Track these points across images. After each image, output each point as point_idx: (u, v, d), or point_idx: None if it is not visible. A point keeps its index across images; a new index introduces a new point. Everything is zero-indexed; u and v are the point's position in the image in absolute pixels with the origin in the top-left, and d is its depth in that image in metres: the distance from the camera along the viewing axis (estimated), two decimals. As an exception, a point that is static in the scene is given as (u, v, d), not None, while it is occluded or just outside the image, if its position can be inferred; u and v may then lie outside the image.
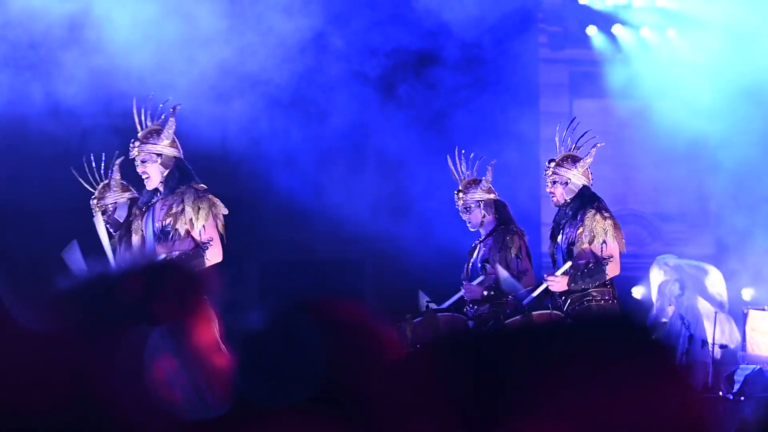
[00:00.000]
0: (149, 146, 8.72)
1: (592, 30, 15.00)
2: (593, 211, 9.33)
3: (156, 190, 8.78)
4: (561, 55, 15.23)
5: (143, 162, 8.70)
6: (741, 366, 11.69)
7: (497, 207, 10.01)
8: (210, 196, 8.73)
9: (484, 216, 9.95)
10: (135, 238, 8.88)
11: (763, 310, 12.30)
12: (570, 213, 9.43)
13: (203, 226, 8.56)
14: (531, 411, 2.04)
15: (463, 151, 10.13)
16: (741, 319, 12.39)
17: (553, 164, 9.52)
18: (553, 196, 9.52)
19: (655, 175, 15.18)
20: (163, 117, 8.86)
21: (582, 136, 9.79)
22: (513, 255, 9.75)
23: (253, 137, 12.83)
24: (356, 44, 12.81)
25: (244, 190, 13.64)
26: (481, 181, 10.02)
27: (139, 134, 8.78)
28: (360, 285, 9.77)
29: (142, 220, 8.83)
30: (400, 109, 13.49)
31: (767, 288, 13.34)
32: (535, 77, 15.07)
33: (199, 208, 8.59)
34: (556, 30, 15.10)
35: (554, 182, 9.47)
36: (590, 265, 9.15)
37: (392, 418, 2.17)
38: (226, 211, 8.72)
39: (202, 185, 8.77)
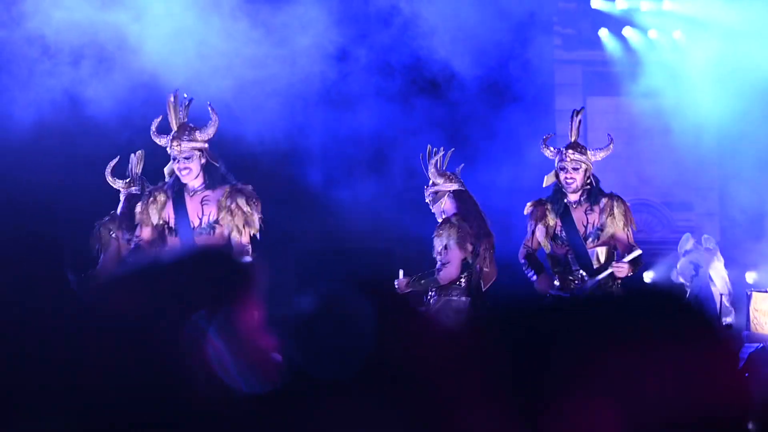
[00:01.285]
0: (192, 143, 8.59)
1: (603, 32, 15.19)
2: (618, 198, 9.33)
3: (179, 178, 8.65)
4: (575, 56, 15.37)
5: (186, 158, 8.56)
6: (745, 345, 11.84)
7: (458, 196, 9.58)
8: (255, 195, 8.71)
9: (444, 205, 9.56)
10: (159, 226, 8.68)
11: (766, 292, 12.61)
12: (583, 199, 9.30)
13: (250, 222, 8.57)
14: (579, 388, 2.04)
15: (435, 149, 9.73)
16: (745, 301, 12.71)
17: (572, 150, 9.30)
18: (573, 182, 9.29)
19: (664, 167, 15.24)
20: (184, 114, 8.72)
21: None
22: (443, 245, 9.35)
23: (289, 137, 12.81)
24: (377, 57, 12.90)
25: (281, 185, 13.61)
26: (445, 174, 9.64)
27: (177, 130, 8.62)
28: (389, 272, 9.93)
29: (164, 210, 8.70)
30: (422, 110, 13.57)
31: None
32: (550, 77, 15.14)
33: (251, 211, 8.55)
34: (570, 32, 15.28)
35: (576, 168, 9.29)
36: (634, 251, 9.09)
37: (441, 393, 2.19)
38: (261, 215, 8.67)
39: (248, 186, 8.74)
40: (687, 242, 13.59)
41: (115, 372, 2.35)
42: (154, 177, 9.22)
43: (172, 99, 8.68)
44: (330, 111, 12.92)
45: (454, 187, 9.57)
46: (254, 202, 8.63)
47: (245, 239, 8.53)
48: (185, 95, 8.79)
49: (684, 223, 15.46)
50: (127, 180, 9.82)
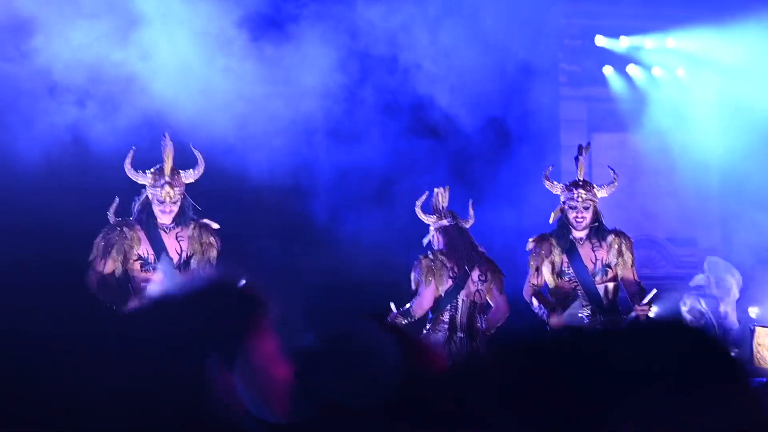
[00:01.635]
0: (179, 188, 8.81)
1: (608, 69, 15.23)
2: (624, 235, 9.48)
3: (150, 216, 8.75)
4: (580, 93, 15.41)
5: (174, 203, 8.76)
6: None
7: (445, 232, 9.59)
8: (213, 232, 8.92)
9: (438, 240, 9.62)
10: (128, 261, 8.69)
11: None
12: (590, 236, 9.41)
13: (212, 258, 8.79)
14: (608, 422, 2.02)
15: (443, 189, 9.80)
16: (748, 335, 12.69)
17: (582, 190, 9.43)
18: (583, 221, 9.41)
19: (668, 202, 15.22)
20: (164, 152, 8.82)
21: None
22: (414, 279, 9.44)
23: (293, 173, 12.90)
24: (381, 97, 12.93)
25: (286, 221, 13.85)
26: (438, 211, 9.69)
27: (169, 174, 8.79)
28: (397, 305, 10.00)
29: (139, 245, 8.71)
30: (426, 142, 13.64)
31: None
32: (555, 113, 15.18)
33: (210, 244, 8.79)
34: (575, 69, 15.33)
35: (586, 207, 9.40)
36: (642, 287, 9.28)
37: (465, 420, 2.19)
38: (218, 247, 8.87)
39: (210, 222, 8.93)
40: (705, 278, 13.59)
41: (137, 400, 2.37)
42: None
43: (168, 144, 8.84)
44: (334, 146, 12.95)
45: (444, 223, 9.60)
46: (217, 237, 8.90)
47: (210, 268, 8.73)
48: (165, 133, 8.93)
49: (688, 258, 15.38)
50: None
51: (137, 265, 8.73)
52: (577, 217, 9.42)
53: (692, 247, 15.69)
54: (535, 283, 9.50)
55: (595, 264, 9.42)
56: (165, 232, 8.81)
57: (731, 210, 14.76)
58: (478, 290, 9.44)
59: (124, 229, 8.78)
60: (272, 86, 11.91)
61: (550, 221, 9.72)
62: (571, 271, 9.45)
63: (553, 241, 9.51)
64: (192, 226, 8.84)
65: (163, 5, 11.33)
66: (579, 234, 9.47)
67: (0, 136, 11.33)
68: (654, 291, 9.09)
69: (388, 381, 2.32)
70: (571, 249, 9.47)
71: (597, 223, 9.48)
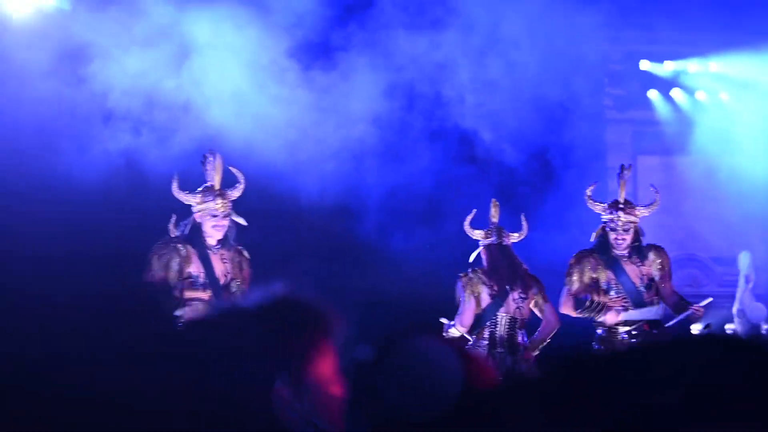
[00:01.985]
0: (229, 202, 8.90)
1: (653, 93, 15.34)
2: (662, 250, 9.57)
3: (200, 237, 8.83)
4: (625, 116, 15.51)
5: (225, 216, 8.87)
6: None
7: (488, 251, 9.77)
8: (247, 258, 9.04)
9: (483, 258, 9.80)
10: (176, 279, 8.75)
11: None
12: (632, 253, 9.45)
13: (246, 282, 8.92)
14: None
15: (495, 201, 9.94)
16: None
17: (622, 212, 9.47)
18: (623, 242, 9.46)
19: (711, 223, 15.29)
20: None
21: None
22: (456, 296, 9.68)
23: (347, 193, 12.99)
24: (429, 123, 13.10)
25: (340, 240, 13.86)
26: (484, 230, 9.87)
27: (218, 189, 8.91)
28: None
29: (189, 264, 8.78)
30: (472, 168, 13.73)
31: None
32: (601, 136, 15.30)
33: (246, 268, 8.94)
34: (621, 93, 15.44)
35: (626, 230, 9.45)
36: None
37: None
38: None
39: (239, 246, 9.04)
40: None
41: (202, 413, 2.41)
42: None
43: (217, 159, 8.99)
44: (382, 169, 13.11)
45: (489, 240, 9.75)
46: (247, 260, 9.02)
47: (245, 291, 8.87)
48: (208, 153, 9.06)
49: (730, 277, 15.22)
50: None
51: (187, 283, 8.81)
52: (617, 238, 9.49)
53: (735, 267, 15.28)
54: (574, 294, 9.58)
55: (641, 279, 9.48)
56: (213, 252, 8.90)
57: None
58: (518, 307, 9.59)
59: (179, 246, 8.86)
60: (322, 113, 12.12)
61: (591, 239, 9.79)
62: (620, 287, 9.50)
63: (597, 257, 9.59)
64: (234, 249, 8.96)
65: (216, 34, 11.58)
66: (621, 251, 9.53)
67: (56, 159, 11.53)
68: (709, 299, 9.31)
69: (447, 393, 2.32)
70: (615, 266, 9.53)
71: (637, 243, 9.55)
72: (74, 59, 11.62)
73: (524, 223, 10.08)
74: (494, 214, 9.95)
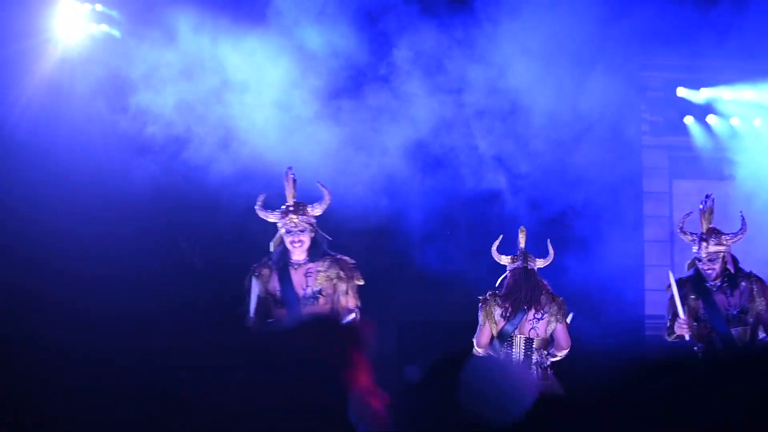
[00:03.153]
0: (307, 217, 9.05)
1: (689, 119, 15.41)
2: (758, 279, 9.57)
3: (286, 254, 9.02)
4: (662, 141, 15.53)
5: (301, 231, 9.00)
6: None
7: (513, 274, 9.93)
8: (354, 266, 9.13)
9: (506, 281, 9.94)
10: (265, 299, 8.95)
11: None
12: (726, 283, 9.42)
13: (351, 294, 8.99)
14: None
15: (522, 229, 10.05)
16: None
17: (707, 243, 9.49)
18: (713, 272, 9.44)
19: (746, 246, 15.21)
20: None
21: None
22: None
23: (390, 213, 13.18)
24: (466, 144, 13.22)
25: (383, 259, 13.96)
26: (511, 255, 10.00)
27: (293, 205, 9.08)
28: None
29: (269, 283, 8.97)
30: (517, 181, 13.75)
31: None
32: (638, 161, 15.33)
33: (350, 278, 8.99)
34: (657, 119, 15.49)
35: (712, 260, 9.46)
36: None
37: None
38: (362, 282, 9.10)
39: (346, 257, 9.16)
40: None
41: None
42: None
43: (291, 175, 9.14)
44: (427, 192, 13.29)
45: (516, 265, 9.95)
46: (354, 270, 9.09)
47: (352, 303, 8.96)
48: (291, 172, 9.21)
49: None
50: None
51: (270, 300, 9.03)
52: (706, 269, 9.51)
53: None
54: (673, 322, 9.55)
55: (728, 310, 9.41)
56: (294, 269, 9.04)
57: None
58: (533, 328, 9.72)
59: (260, 269, 9.10)
60: (360, 137, 12.38)
61: (686, 269, 9.76)
62: (707, 317, 9.47)
63: (689, 286, 9.57)
64: (325, 261, 9.05)
65: (254, 70, 11.84)
66: (712, 282, 9.51)
67: (102, 183, 11.87)
68: None
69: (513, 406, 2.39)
70: (706, 295, 9.50)
71: (728, 271, 9.53)
72: (118, 86, 11.92)
73: (550, 249, 10.14)
74: (522, 240, 10.08)
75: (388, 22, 12.58)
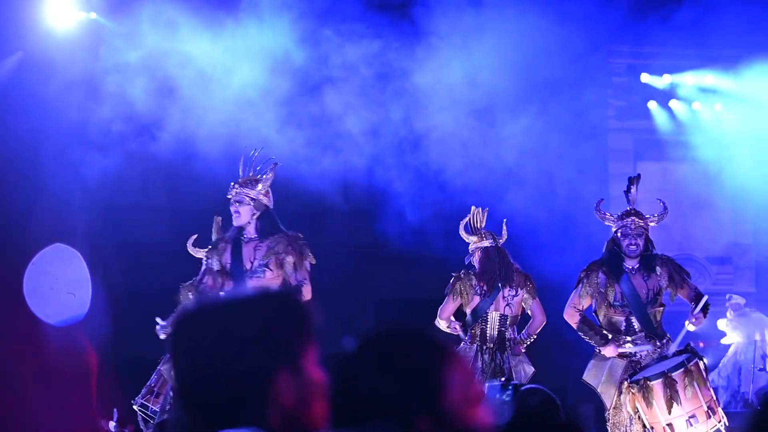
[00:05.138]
0: (247, 190, 9.04)
1: (652, 104, 15.67)
2: (668, 259, 9.44)
3: (240, 230, 9.08)
4: (626, 125, 15.81)
5: (239, 202, 9.01)
6: None
7: (486, 252, 9.89)
8: (303, 242, 9.11)
9: (477, 259, 9.92)
10: (219, 272, 9.06)
11: None
12: (641, 266, 9.29)
13: (299, 267, 8.96)
14: None
15: (480, 209, 10.03)
16: None
17: (635, 218, 9.36)
18: (636, 248, 9.28)
19: (706, 224, 15.51)
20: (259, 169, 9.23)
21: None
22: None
23: (368, 195, 13.40)
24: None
25: (362, 239, 14.27)
26: (478, 232, 9.97)
27: (240, 179, 9.15)
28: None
29: (222, 257, 9.10)
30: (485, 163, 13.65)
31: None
32: (604, 144, 15.59)
33: (296, 252, 8.95)
34: (622, 104, 15.75)
35: (639, 235, 9.31)
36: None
37: None
38: (313, 260, 9.08)
39: (296, 233, 9.16)
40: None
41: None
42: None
43: (248, 154, 9.32)
44: (406, 176, 13.48)
45: (485, 244, 9.96)
46: (302, 245, 9.09)
47: (299, 277, 8.96)
48: (255, 152, 9.34)
49: (724, 276, 15.88)
50: (208, 248, 9.78)
51: (224, 273, 9.15)
52: (630, 244, 9.34)
53: (728, 266, 16.11)
54: (579, 307, 9.47)
55: (647, 293, 9.35)
56: (245, 243, 9.12)
57: (763, 229, 15.19)
58: (508, 304, 9.81)
59: (217, 243, 9.27)
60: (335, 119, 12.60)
61: (604, 250, 9.61)
62: (625, 301, 9.36)
63: (605, 271, 9.46)
64: (274, 237, 9.07)
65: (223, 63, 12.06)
66: (631, 264, 9.43)
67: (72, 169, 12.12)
68: (705, 299, 9.12)
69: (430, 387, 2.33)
70: (623, 279, 9.39)
71: (648, 252, 9.45)
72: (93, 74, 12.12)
73: (505, 229, 10.22)
74: (480, 222, 10.08)
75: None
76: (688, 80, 15.60)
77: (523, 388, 3.77)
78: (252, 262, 9.04)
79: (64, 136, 12.31)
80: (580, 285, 9.51)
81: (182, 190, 13.29)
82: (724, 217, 15.16)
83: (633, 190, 9.65)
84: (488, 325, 9.78)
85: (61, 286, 11.74)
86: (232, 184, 9.13)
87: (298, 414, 2.28)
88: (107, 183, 12.46)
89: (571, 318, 9.52)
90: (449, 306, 9.89)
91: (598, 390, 9.41)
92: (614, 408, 9.27)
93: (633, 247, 9.33)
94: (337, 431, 2.31)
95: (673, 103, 15.73)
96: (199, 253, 9.67)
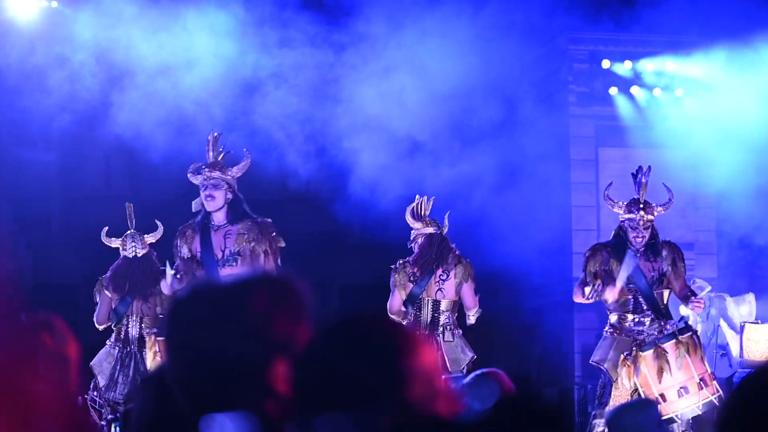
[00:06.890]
0: (223, 174, 8.94)
1: (614, 90, 15.62)
2: (675, 246, 9.83)
3: (208, 216, 8.97)
4: (588, 112, 15.76)
5: (215, 186, 8.86)
6: (738, 370, 12.59)
7: (429, 238, 10.00)
8: (273, 228, 9.07)
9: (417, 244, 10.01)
10: (190, 259, 8.98)
11: (756, 323, 13.12)
12: (647, 249, 9.56)
13: (270, 254, 8.92)
14: None
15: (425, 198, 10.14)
16: (738, 332, 13.17)
17: (644, 212, 9.59)
18: (642, 240, 9.56)
19: (669, 210, 15.47)
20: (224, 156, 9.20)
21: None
22: None
23: (332, 181, 13.29)
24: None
25: (326, 225, 14.16)
26: (423, 219, 10.06)
27: (211, 163, 9.02)
28: None
29: (192, 244, 9.02)
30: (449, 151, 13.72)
31: (760, 305, 13.89)
32: (565, 130, 15.55)
33: (268, 240, 8.90)
34: (584, 90, 15.68)
35: (647, 228, 9.59)
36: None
37: None
38: (283, 244, 9.09)
39: (267, 219, 9.11)
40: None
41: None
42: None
43: (212, 136, 9.14)
44: (369, 161, 13.30)
45: (429, 230, 10.07)
46: (273, 232, 9.03)
47: (270, 264, 8.89)
48: (216, 133, 9.24)
49: (686, 262, 15.40)
50: (123, 237, 9.82)
51: (194, 261, 9.05)
52: (636, 237, 9.58)
53: (689, 251, 15.55)
54: (585, 285, 9.61)
55: (653, 275, 9.58)
56: (214, 230, 8.99)
57: (724, 215, 15.29)
58: (439, 289, 9.90)
59: (185, 230, 9.16)
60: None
61: (612, 237, 9.84)
62: (630, 279, 9.55)
63: (610, 251, 9.66)
64: (247, 223, 8.98)
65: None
66: (636, 249, 9.63)
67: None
68: (708, 287, 9.45)
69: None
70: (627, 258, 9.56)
71: (653, 240, 9.69)
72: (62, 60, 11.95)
73: (446, 221, 10.27)
74: (425, 210, 10.15)
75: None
76: (649, 66, 15.58)
77: (475, 373, 3.77)
78: (223, 251, 8.91)
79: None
80: (585, 265, 9.67)
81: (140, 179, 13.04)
82: (687, 202, 15.04)
83: (644, 180, 9.80)
84: (422, 311, 9.85)
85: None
86: (199, 166, 8.96)
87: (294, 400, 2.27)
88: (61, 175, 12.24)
89: (578, 295, 9.70)
90: (395, 299, 9.93)
91: (605, 366, 9.51)
92: (616, 382, 9.37)
93: (639, 239, 9.58)
94: (303, 418, 2.26)
95: (634, 90, 15.71)
96: (114, 243, 9.68)
